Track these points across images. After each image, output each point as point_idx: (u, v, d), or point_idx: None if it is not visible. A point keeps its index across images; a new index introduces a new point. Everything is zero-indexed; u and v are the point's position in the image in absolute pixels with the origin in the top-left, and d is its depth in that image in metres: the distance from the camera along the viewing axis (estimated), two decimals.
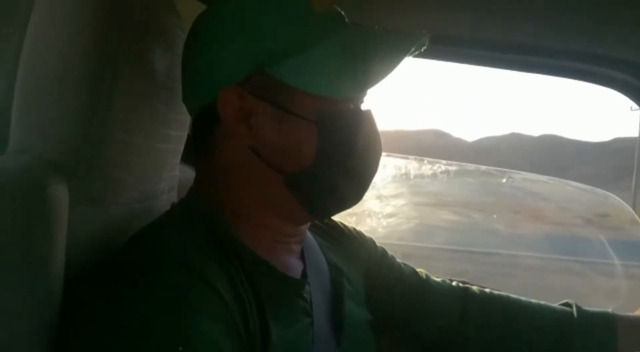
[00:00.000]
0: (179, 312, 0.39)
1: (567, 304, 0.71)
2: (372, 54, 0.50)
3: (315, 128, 0.49)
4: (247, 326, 0.44)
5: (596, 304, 0.73)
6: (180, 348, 0.36)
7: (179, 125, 0.64)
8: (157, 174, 0.61)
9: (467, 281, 0.93)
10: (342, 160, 0.51)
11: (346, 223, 0.76)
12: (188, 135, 0.69)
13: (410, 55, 0.52)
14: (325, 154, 0.50)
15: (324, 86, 0.49)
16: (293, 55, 0.48)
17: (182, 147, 0.69)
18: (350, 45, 0.50)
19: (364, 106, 0.55)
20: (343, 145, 0.51)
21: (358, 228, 0.77)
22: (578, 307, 0.70)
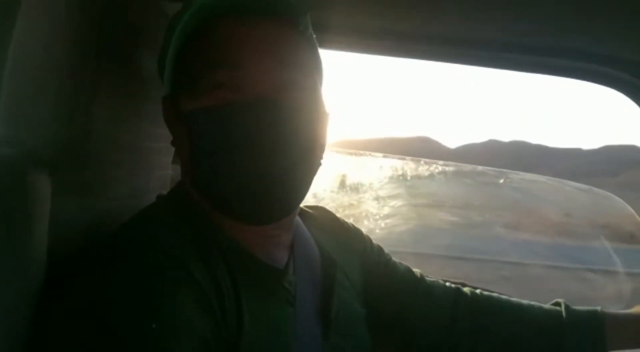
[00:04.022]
0: (154, 292, 0.39)
1: (557, 304, 0.73)
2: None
3: (185, 128, 0.49)
4: (223, 310, 0.44)
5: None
6: (154, 325, 0.37)
7: None
8: (148, 172, 0.61)
9: (464, 282, 0.92)
10: (213, 159, 0.47)
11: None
12: None
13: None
14: (195, 154, 0.49)
15: (171, 85, 0.50)
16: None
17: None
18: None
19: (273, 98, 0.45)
20: (211, 143, 0.46)
21: None
22: (567, 306, 0.71)
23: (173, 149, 0.70)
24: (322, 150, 0.52)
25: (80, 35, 0.46)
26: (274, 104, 0.45)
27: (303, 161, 0.48)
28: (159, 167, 0.64)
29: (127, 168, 0.55)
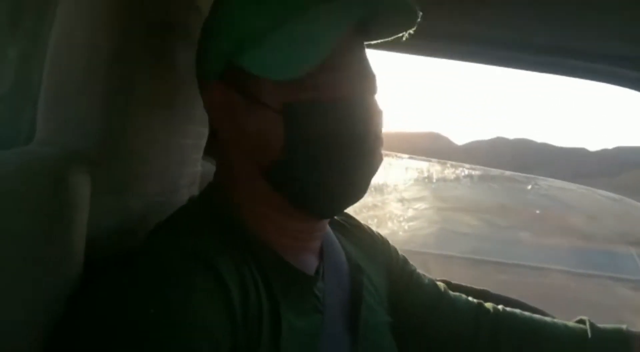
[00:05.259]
0: (179, 299, 0.39)
1: (581, 321, 0.71)
2: (326, 31, 0.47)
3: (281, 117, 0.48)
4: (252, 317, 0.43)
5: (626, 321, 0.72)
6: (152, 310, 0.37)
7: (200, 121, 0.65)
8: (178, 168, 0.62)
9: (487, 290, 0.90)
10: (314, 152, 0.48)
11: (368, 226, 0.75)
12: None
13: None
14: (293, 145, 0.48)
15: (280, 70, 0.48)
16: (254, 43, 0.49)
17: (203, 143, 0.69)
18: (307, 26, 0.47)
19: (367, 98, 0.50)
20: (313, 137, 0.47)
21: (379, 231, 0.76)
22: (592, 325, 0.69)
23: (203, 145, 0.71)
24: None
25: (117, 34, 0.47)
26: (369, 103, 0.50)
27: (380, 158, 0.53)
28: (189, 164, 0.65)
29: (158, 165, 0.56)
